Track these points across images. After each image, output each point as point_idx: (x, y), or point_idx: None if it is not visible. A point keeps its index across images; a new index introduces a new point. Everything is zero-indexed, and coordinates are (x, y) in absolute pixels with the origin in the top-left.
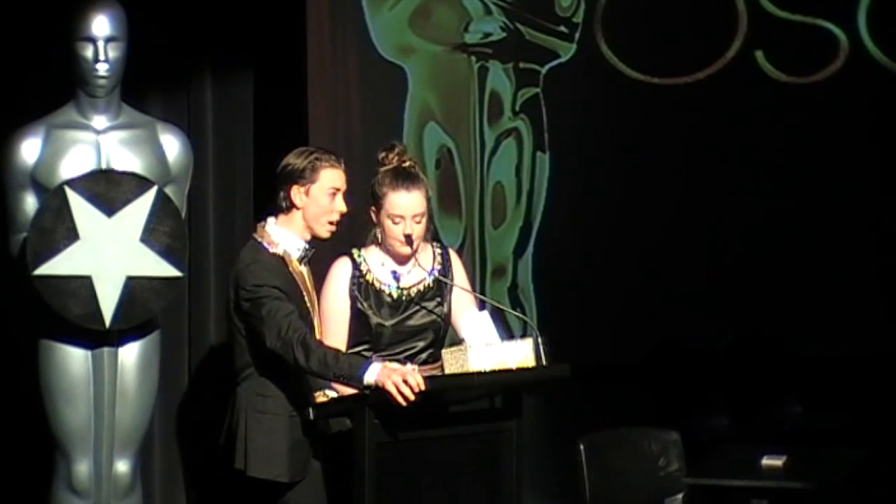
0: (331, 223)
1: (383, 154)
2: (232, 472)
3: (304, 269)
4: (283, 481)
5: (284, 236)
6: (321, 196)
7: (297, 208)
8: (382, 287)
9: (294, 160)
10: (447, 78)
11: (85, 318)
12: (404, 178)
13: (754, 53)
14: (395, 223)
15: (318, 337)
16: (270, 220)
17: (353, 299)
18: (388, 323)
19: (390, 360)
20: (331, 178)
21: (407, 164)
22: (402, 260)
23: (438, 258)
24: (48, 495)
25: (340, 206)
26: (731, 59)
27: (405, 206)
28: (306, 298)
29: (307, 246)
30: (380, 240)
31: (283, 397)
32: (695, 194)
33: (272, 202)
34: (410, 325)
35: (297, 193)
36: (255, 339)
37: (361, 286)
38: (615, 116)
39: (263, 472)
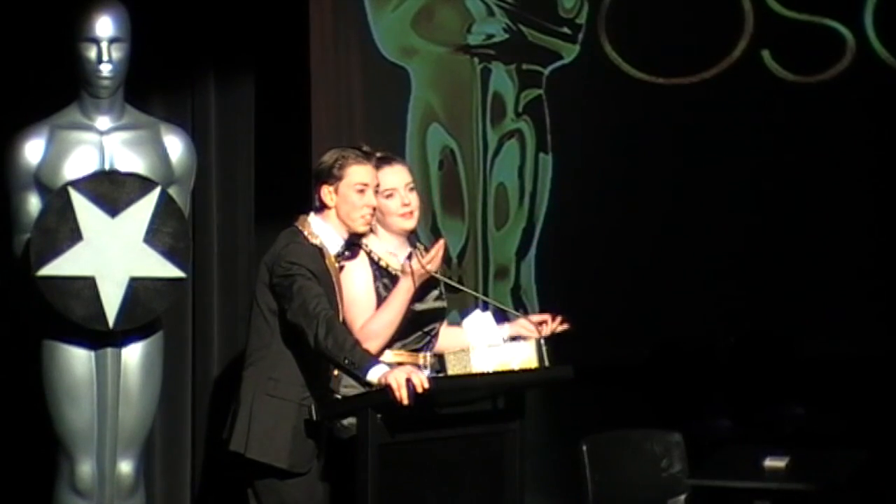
0: (364, 217)
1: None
2: (232, 464)
3: (337, 268)
4: (281, 467)
5: (324, 230)
6: (350, 193)
7: (329, 207)
8: (397, 272)
9: (324, 159)
10: (450, 79)
11: (88, 318)
12: (382, 159)
13: (761, 53)
14: (389, 198)
15: None
16: (312, 213)
17: (378, 286)
18: (413, 307)
19: (407, 350)
20: (358, 174)
21: (379, 154)
22: (404, 241)
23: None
24: (51, 496)
25: (370, 200)
26: (737, 59)
27: (393, 179)
28: (337, 294)
29: (344, 244)
30: (378, 229)
31: (296, 383)
32: (698, 195)
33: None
34: (429, 309)
35: (327, 193)
36: (279, 320)
37: (383, 274)
38: (619, 117)
39: (263, 455)
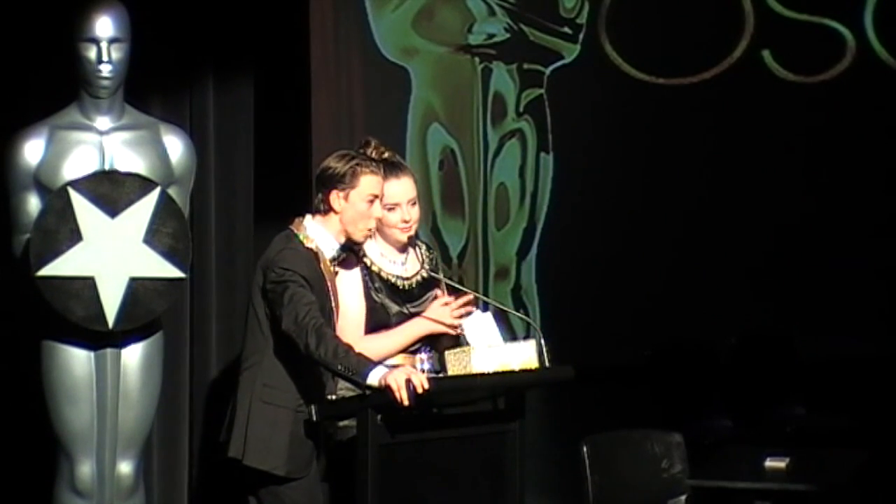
0: (367, 228)
1: (360, 151)
2: (229, 465)
3: (333, 271)
4: (279, 474)
5: (320, 234)
6: (360, 202)
7: (335, 212)
8: (390, 277)
9: (335, 164)
10: (451, 79)
11: (88, 319)
12: (390, 167)
13: (761, 53)
14: (391, 211)
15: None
16: (308, 216)
17: (368, 292)
18: (407, 311)
19: (404, 353)
20: (370, 184)
21: (387, 155)
22: (399, 249)
23: (426, 254)
24: (51, 496)
25: (378, 212)
26: (737, 59)
27: (398, 193)
28: (332, 298)
29: (340, 249)
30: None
31: (291, 390)
32: (699, 195)
33: (309, 203)
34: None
35: (336, 198)
36: (272, 326)
37: (373, 278)
38: (619, 117)
39: (260, 462)
